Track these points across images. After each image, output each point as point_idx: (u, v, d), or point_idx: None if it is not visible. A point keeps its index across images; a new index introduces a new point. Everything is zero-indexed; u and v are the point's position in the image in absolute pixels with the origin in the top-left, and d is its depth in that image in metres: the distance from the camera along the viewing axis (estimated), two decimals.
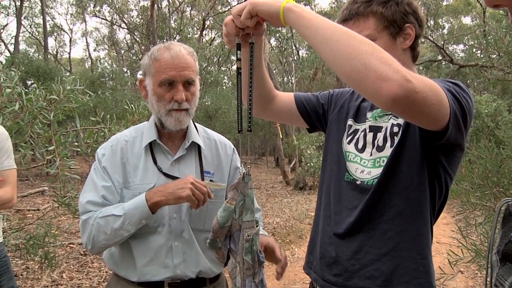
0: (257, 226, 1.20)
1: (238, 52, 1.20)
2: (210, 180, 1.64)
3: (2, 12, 25.63)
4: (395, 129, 1.31)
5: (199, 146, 1.70)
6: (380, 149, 1.33)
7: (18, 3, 21.96)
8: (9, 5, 24.61)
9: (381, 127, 1.36)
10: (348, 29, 1.03)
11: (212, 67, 21.32)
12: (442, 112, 1.05)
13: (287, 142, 14.33)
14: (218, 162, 1.74)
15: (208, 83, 18.27)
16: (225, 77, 21.60)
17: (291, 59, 23.13)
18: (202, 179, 1.61)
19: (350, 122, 1.48)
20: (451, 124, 1.09)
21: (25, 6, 22.79)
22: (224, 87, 20.06)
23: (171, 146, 1.66)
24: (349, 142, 1.44)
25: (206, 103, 15.61)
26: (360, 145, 1.40)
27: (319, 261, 1.43)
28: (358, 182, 1.36)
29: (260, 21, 1.16)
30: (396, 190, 1.28)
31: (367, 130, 1.40)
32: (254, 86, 1.20)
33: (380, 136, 1.35)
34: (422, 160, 1.25)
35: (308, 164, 11.85)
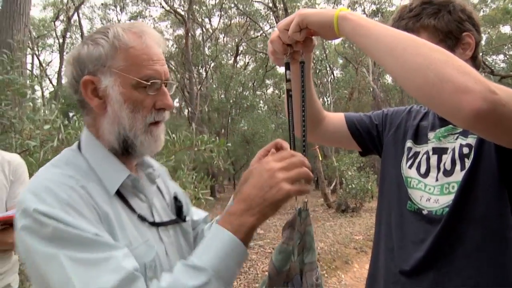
0: (317, 267, 1.05)
1: (287, 72, 1.07)
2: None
3: (47, 50, 27.15)
4: (465, 150, 1.15)
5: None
6: (448, 173, 1.18)
7: (61, 40, 23.17)
8: (54, 43, 26.05)
9: (447, 149, 1.21)
10: (414, 36, 0.90)
11: (247, 92, 21.47)
12: None
13: (326, 163, 14.05)
14: (167, 185, 1.25)
15: (244, 107, 18.37)
16: (261, 101, 21.67)
17: (325, 80, 23.01)
18: (178, 212, 1.16)
19: (409, 144, 1.33)
20: None
21: (67, 43, 23.99)
22: (260, 111, 20.11)
23: None
24: (410, 167, 1.29)
25: (243, 128, 15.63)
26: (423, 170, 1.25)
27: None
28: (424, 212, 1.20)
29: (309, 35, 1.05)
30: (472, 221, 1.11)
31: (430, 153, 1.25)
32: (306, 109, 1.08)
33: (446, 158, 1.20)
34: (500, 185, 1.09)
35: (350, 186, 11.53)
